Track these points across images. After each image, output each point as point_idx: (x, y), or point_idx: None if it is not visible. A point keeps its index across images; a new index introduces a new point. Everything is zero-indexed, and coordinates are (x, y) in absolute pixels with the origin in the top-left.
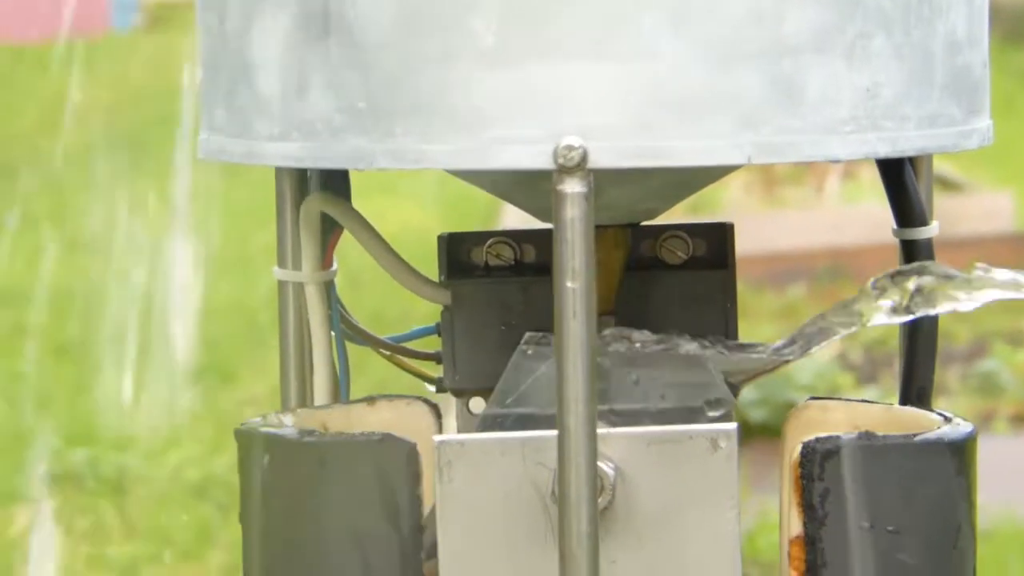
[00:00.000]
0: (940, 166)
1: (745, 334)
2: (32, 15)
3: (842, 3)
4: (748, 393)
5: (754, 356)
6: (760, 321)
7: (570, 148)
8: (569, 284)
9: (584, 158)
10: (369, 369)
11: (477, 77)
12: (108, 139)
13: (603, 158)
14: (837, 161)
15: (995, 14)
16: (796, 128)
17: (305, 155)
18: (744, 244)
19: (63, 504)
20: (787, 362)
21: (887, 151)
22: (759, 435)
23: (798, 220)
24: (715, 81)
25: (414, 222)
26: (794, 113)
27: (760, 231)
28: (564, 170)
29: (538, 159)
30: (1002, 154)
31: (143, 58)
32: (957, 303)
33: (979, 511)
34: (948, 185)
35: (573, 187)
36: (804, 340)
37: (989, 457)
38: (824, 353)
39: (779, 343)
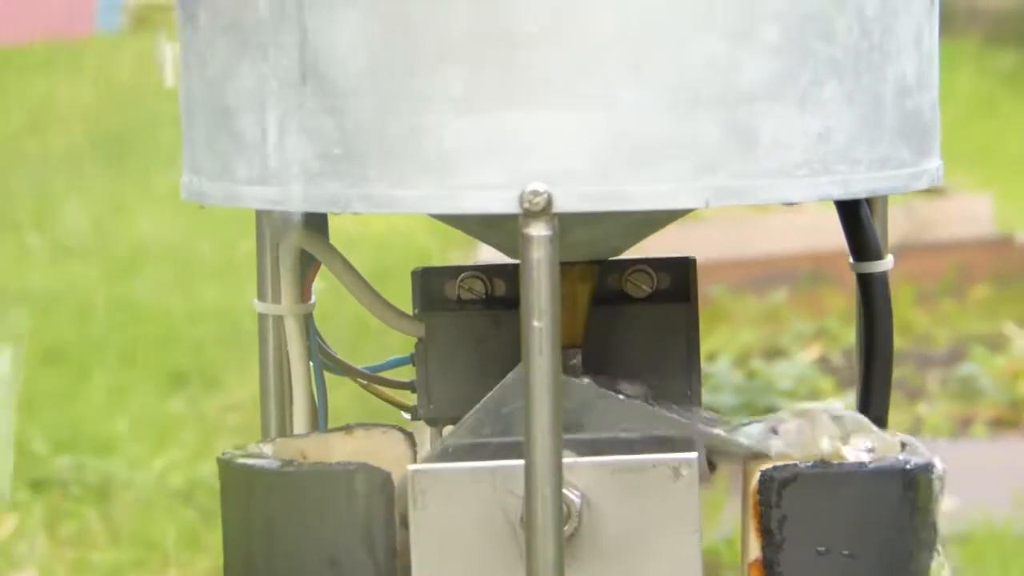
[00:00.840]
0: None
1: (727, 340)
2: (17, 17)
3: (794, 52)
4: (728, 399)
5: (714, 436)
6: (741, 326)
7: (535, 193)
8: (535, 323)
9: (549, 203)
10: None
11: (447, 124)
12: (93, 140)
13: (567, 203)
14: (791, 204)
15: (976, 16)
16: (751, 172)
17: (283, 199)
18: (725, 249)
19: (48, 510)
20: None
21: (839, 193)
22: None
23: (779, 225)
24: (674, 128)
25: (400, 225)
26: (749, 158)
27: (741, 236)
28: (530, 214)
29: (505, 204)
30: (983, 155)
31: (128, 59)
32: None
33: (958, 515)
34: (929, 190)
35: (538, 231)
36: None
37: (967, 461)
38: (805, 356)
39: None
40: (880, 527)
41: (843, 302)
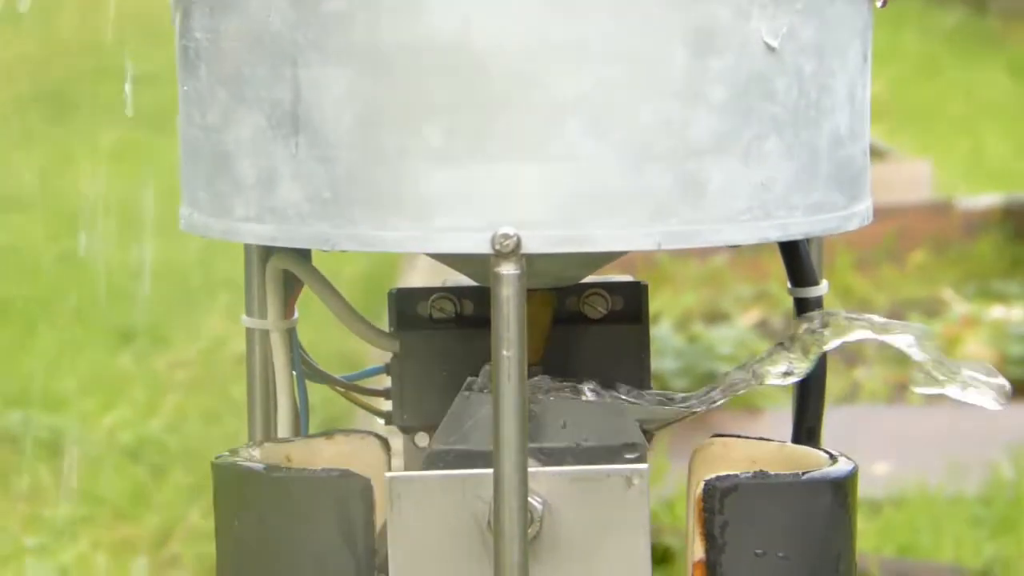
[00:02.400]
0: None
1: (669, 302)
2: None
3: (739, 111)
4: (670, 363)
5: (666, 408)
6: (683, 289)
7: (506, 236)
8: (504, 352)
9: (518, 245)
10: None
11: (426, 173)
12: (36, 94)
13: (534, 244)
14: (735, 246)
15: None
16: (699, 219)
17: (277, 235)
18: None
19: None
20: (694, 413)
21: (778, 236)
22: None
23: None
24: (629, 179)
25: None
26: (697, 206)
27: None
28: (500, 255)
29: (478, 245)
30: (924, 118)
31: (71, 12)
32: (868, 332)
33: (892, 479)
34: (871, 152)
35: (508, 270)
36: (708, 395)
37: (902, 427)
38: (744, 320)
39: (687, 395)
40: (812, 531)
41: (783, 266)
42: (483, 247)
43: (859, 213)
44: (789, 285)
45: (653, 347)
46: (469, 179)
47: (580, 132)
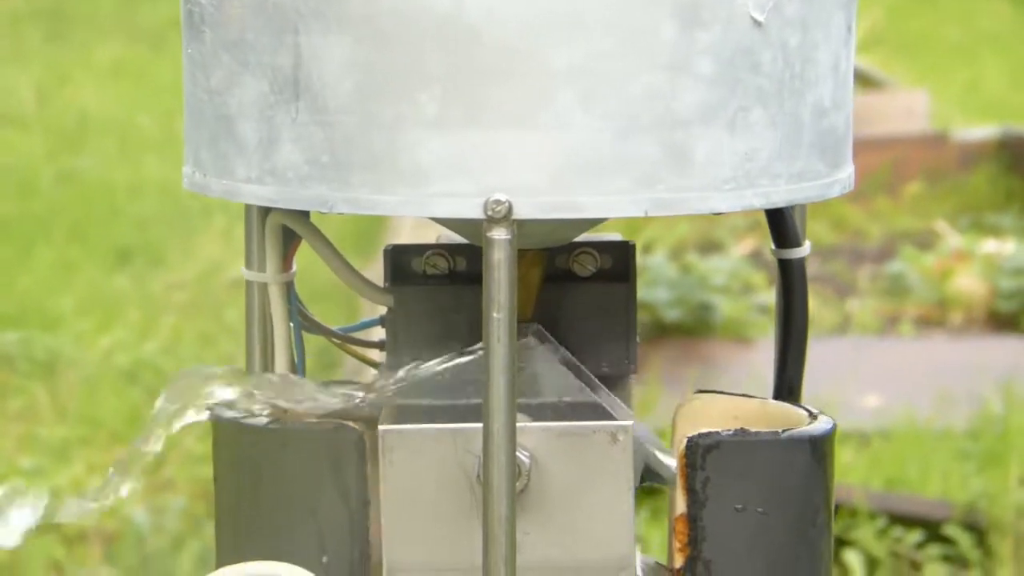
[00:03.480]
0: (859, 61)
1: (663, 231)
2: None
3: (725, 82)
4: (663, 294)
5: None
6: (678, 219)
7: (498, 202)
8: (495, 315)
9: (509, 211)
10: None
11: (421, 141)
12: (33, 10)
13: (525, 211)
14: (720, 214)
15: None
16: (685, 187)
17: (277, 197)
18: None
19: None
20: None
21: (761, 204)
22: (673, 334)
23: None
24: (618, 148)
25: None
26: (684, 174)
27: None
28: (492, 220)
29: (471, 210)
30: (921, 47)
31: None
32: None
33: (881, 412)
34: (868, 82)
35: (499, 235)
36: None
37: (893, 359)
38: (738, 250)
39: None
40: (791, 487)
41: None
42: (476, 212)
43: (841, 180)
44: (773, 246)
45: (648, 277)
46: (463, 146)
47: (571, 102)
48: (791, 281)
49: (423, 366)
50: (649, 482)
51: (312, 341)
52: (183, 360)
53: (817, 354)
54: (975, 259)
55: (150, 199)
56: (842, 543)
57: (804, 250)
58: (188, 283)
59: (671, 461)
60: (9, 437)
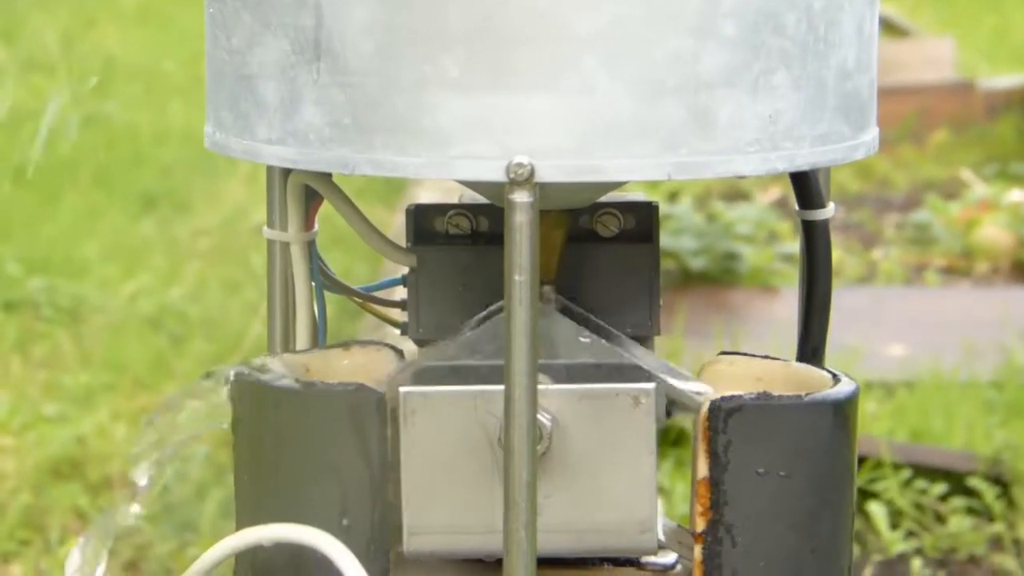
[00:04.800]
0: (885, 9)
1: (689, 180)
2: None
3: (749, 45)
4: (689, 242)
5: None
6: None
7: (520, 165)
8: (517, 277)
9: (532, 174)
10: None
11: (444, 103)
12: None
13: (548, 174)
14: (743, 177)
15: None
16: (709, 150)
17: (298, 158)
18: None
19: (21, 331)
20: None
21: (785, 167)
22: (698, 283)
23: None
24: (641, 111)
25: None
26: (707, 137)
27: None
28: (515, 183)
29: (493, 173)
30: None
31: None
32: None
33: (907, 362)
34: (894, 30)
35: (522, 197)
36: None
37: (918, 309)
38: (764, 199)
39: None
40: (813, 451)
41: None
42: (498, 175)
43: (865, 143)
44: (796, 207)
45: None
46: (485, 109)
47: (595, 65)
48: (815, 242)
49: (444, 328)
50: (673, 414)
51: (330, 297)
52: (208, 306)
53: (842, 304)
54: (1001, 209)
55: (175, 145)
56: (866, 495)
57: (828, 211)
58: (213, 229)
59: (692, 386)
60: (34, 383)
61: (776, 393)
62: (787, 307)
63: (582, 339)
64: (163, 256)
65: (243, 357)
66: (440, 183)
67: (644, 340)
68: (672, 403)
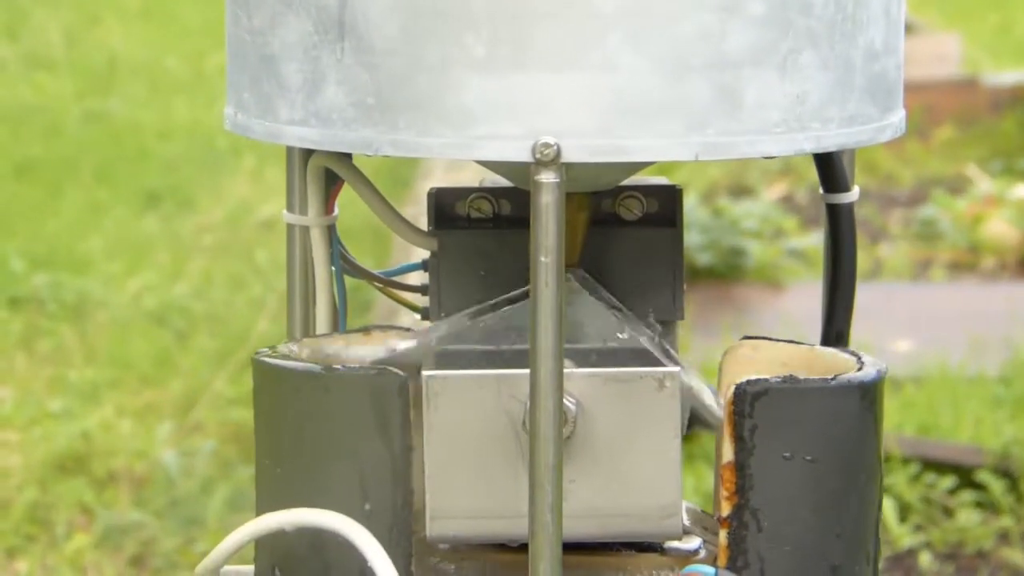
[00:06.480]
0: None
1: (695, 175)
2: None
3: (776, 24)
4: (695, 238)
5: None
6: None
7: (546, 145)
8: (543, 259)
9: (558, 154)
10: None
11: (469, 82)
12: None
13: (573, 154)
14: (770, 157)
15: None
16: (736, 130)
17: (321, 139)
18: None
19: (25, 326)
20: None
21: (812, 148)
22: (705, 278)
23: None
24: (668, 90)
25: None
26: (734, 117)
27: None
28: (540, 164)
29: (519, 153)
30: None
31: None
32: None
33: (913, 357)
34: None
35: (548, 177)
36: None
37: (925, 304)
38: (770, 194)
39: None
40: (839, 435)
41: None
42: (524, 155)
43: (892, 124)
44: (821, 191)
45: None
46: (510, 88)
47: (620, 44)
48: (839, 226)
49: (467, 311)
50: (696, 428)
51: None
52: (212, 302)
53: None
54: (1007, 204)
55: (179, 141)
56: None
57: (853, 195)
58: (217, 225)
59: (719, 406)
60: (39, 379)
61: (802, 376)
62: (794, 302)
63: (606, 322)
64: (167, 252)
65: (248, 353)
66: (446, 177)
67: (668, 325)
68: (694, 417)
